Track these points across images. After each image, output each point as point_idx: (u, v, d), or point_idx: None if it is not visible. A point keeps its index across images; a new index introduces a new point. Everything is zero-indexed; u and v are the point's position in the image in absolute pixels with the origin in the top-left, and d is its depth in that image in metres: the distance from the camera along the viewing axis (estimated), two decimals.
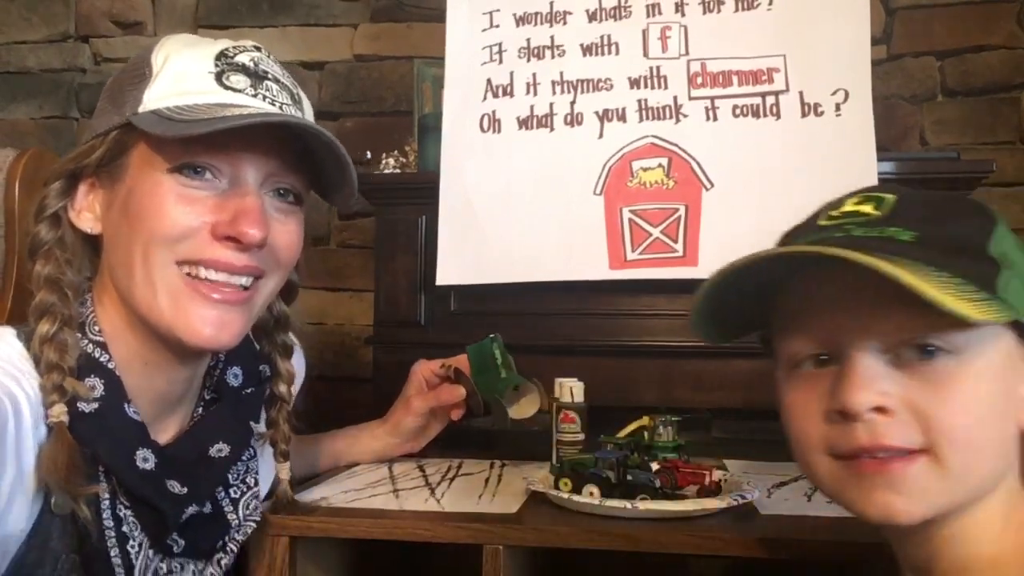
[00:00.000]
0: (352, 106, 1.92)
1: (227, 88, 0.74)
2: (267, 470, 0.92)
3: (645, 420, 1.07)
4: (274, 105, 0.76)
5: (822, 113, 1.27)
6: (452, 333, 1.37)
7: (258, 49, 0.80)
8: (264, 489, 0.92)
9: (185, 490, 0.77)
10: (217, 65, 0.76)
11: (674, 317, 1.32)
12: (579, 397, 1.10)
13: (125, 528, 0.74)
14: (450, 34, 1.40)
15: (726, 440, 1.43)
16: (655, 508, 0.87)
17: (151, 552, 0.76)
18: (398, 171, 1.46)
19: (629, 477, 0.92)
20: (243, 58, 0.77)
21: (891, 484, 0.58)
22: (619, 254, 1.27)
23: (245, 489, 0.85)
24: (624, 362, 1.33)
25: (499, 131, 1.35)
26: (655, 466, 0.97)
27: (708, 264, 1.25)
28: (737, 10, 1.33)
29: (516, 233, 1.31)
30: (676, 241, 1.26)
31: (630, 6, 1.36)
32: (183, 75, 0.75)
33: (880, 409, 0.57)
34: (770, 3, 1.32)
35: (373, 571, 1.08)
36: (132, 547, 0.75)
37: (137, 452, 0.74)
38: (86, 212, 0.77)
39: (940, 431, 0.56)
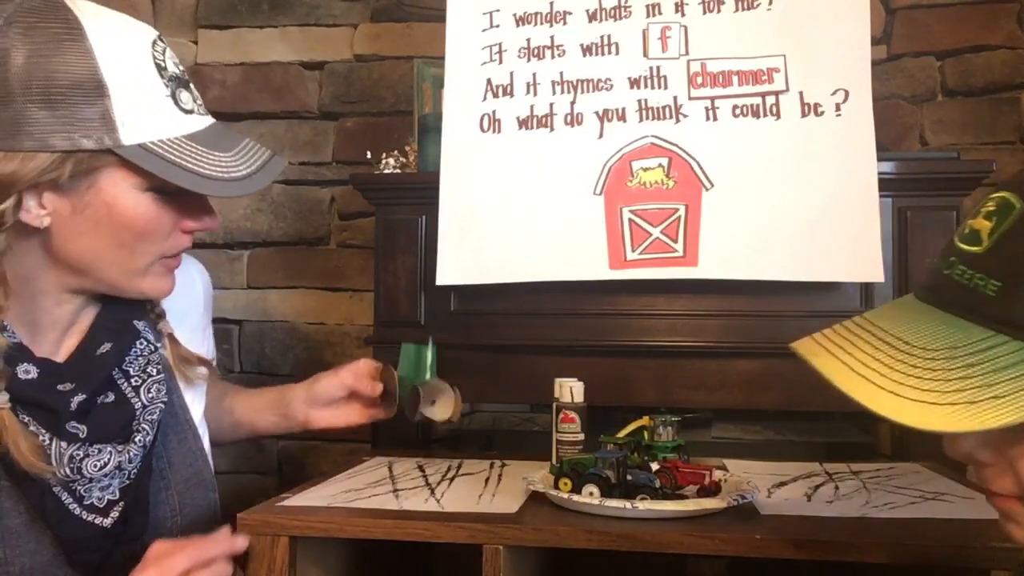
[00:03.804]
0: (352, 106, 1.92)
1: (183, 111, 0.90)
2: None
3: (645, 420, 1.07)
4: (206, 115, 0.93)
5: (822, 113, 1.27)
6: (452, 333, 1.38)
7: (163, 41, 0.92)
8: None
9: (72, 386, 0.91)
10: (166, 85, 0.89)
11: (674, 317, 1.32)
12: (579, 397, 1.10)
13: (32, 428, 0.88)
14: (450, 34, 1.40)
15: (726, 440, 1.43)
16: (655, 508, 0.88)
17: (63, 443, 0.88)
18: (398, 171, 1.46)
19: (629, 477, 0.92)
20: (171, 66, 0.91)
21: (1005, 516, 0.58)
22: (619, 254, 1.27)
23: (145, 377, 0.97)
24: (624, 362, 1.33)
25: (499, 131, 1.35)
26: (655, 466, 0.97)
27: (708, 264, 1.25)
28: (737, 10, 1.33)
29: (516, 233, 1.31)
30: (676, 241, 1.26)
31: (630, 6, 1.36)
32: (143, 98, 0.87)
33: (976, 459, 0.57)
34: (770, 3, 1.32)
35: (373, 571, 1.08)
36: (43, 441, 0.88)
37: (19, 366, 0.89)
38: (37, 210, 0.87)
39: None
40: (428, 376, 1.18)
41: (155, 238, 0.92)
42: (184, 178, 0.87)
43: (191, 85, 0.93)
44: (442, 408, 1.16)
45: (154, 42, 0.90)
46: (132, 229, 0.89)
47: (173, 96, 0.89)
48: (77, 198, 0.87)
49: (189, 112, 0.91)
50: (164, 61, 0.90)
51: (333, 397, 1.19)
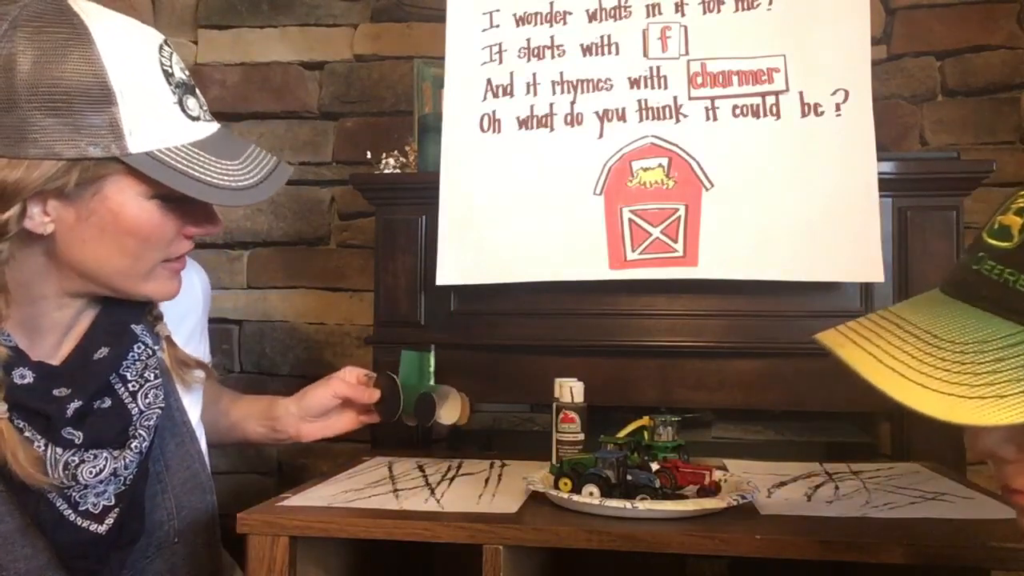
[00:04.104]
0: (352, 106, 1.92)
1: (190, 118, 0.88)
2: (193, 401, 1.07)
3: (645, 420, 1.07)
4: (212, 121, 0.93)
5: (822, 113, 1.27)
6: (452, 333, 1.38)
7: (169, 45, 0.90)
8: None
9: (68, 391, 0.91)
10: (173, 92, 0.88)
11: (674, 317, 1.32)
12: (579, 397, 1.10)
13: (28, 434, 0.87)
14: (450, 34, 1.40)
15: (726, 440, 1.43)
16: (655, 508, 0.88)
17: (58, 449, 0.88)
18: (398, 171, 1.46)
19: (629, 477, 0.92)
20: (177, 72, 0.89)
21: (1022, 512, 0.58)
22: (619, 254, 1.27)
23: (143, 382, 0.97)
24: (624, 362, 1.33)
25: (499, 131, 1.35)
26: (655, 466, 0.97)
27: (708, 264, 1.25)
28: (737, 10, 1.33)
29: (516, 233, 1.31)
30: (676, 241, 1.26)
31: (630, 6, 1.36)
32: (150, 105, 0.86)
33: (998, 455, 0.57)
34: (770, 3, 1.32)
35: (373, 571, 1.08)
36: (39, 447, 0.87)
37: (14, 371, 0.88)
38: (41, 217, 0.85)
39: None
40: (431, 382, 1.19)
41: (159, 244, 0.91)
42: (192, 187, 0.86)
43: (197, 90, 0.92)
44: (450, 412, 1.17)
45: (161, 47, 0.88)
46: (136, 236, 0.89)
47: (180, 103, 0.88)
48: (82, 205, 0.86)
49: (196, 119, 0.90)
50: (171, 67, 0.89)
51: (326, 408, 1.20)
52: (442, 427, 1.20)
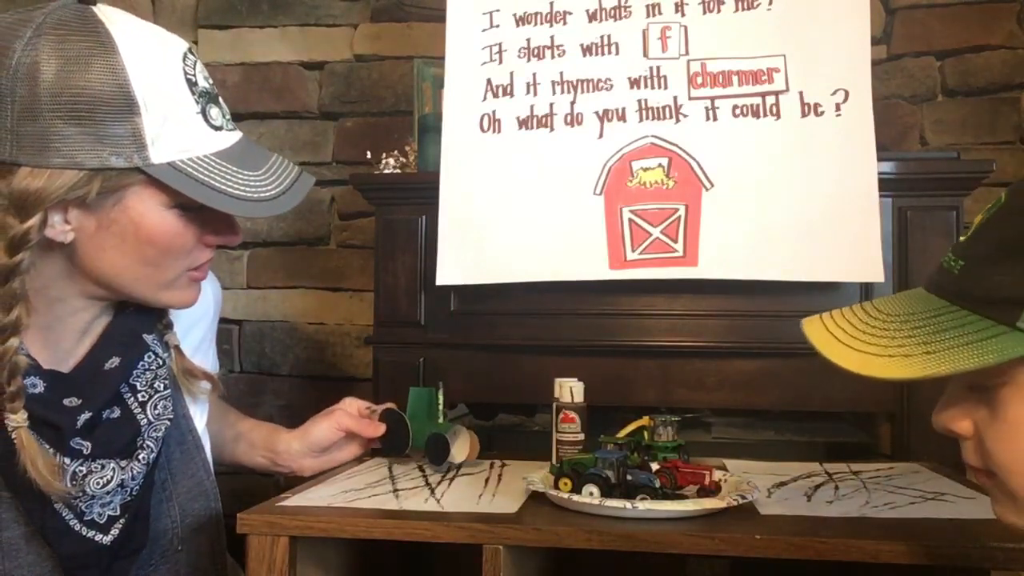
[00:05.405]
0: (352, 106, 1.92)
1: (213, 127, 0.89)
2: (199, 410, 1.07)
3: (645, 420, 1.07)
4: (235, 130, 0.92)
5: (822, 113, 1.27)
6: (452, 333, 1.38)
7: (193, 53, 0.90)
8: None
9: (79, 401, 0.90)
10: (196, 101, 0.87)
11: (674, 317, 1.32)
12: (579, 397, 1.10)
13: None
14: (450, 34, 1.40)
15: (726, 440, 1.43)
16: (655, 508, 0.88)
17: (66, 459, 0.87)
18: (398, 171, 1.46)
19: (629, 477, 0.92)
20: (201, 81, 0.89)
21: (989, 492, 0.63)
22: (619, 254, 1.28)
23: (152, 392, 0.96)
24: (624, 362, 1.33)
25: (499, 131, 1.35)
26: (655, 466, 0.97)
27: (708, 264, 1.25)
28: (737, 10, 1.33)
29: (516, 233, 1.31)
30: (676, 241, 1.26)
31: (630, 6, 1.36)
32: (174, 115, 0.85)
33: (957, 432, 0.62)
34: (770, 3, 1.32)
35: (373, 571, 1.08)
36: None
37: (26, 380, 0.87)
38: (62, 226, 0.85)
39: (991, 457, 0.59)
40: (441, 420, 1.19)
41: (179, 253, 0.91)
42: (214, 198, 0.86)
43: (220, 99, 0.91)
44: (460, 451, 1.17)
45: (185, 55, 0.88)
46: (157, 245, 0.88)
47: (203, 112, 0.88)
48: (103, 214, 0.85)
49: (218, 128, 0.89)
50: (195, 76, 0.88)
51: (330, 442, 1.19)
52: (450, 464, 1.19)
